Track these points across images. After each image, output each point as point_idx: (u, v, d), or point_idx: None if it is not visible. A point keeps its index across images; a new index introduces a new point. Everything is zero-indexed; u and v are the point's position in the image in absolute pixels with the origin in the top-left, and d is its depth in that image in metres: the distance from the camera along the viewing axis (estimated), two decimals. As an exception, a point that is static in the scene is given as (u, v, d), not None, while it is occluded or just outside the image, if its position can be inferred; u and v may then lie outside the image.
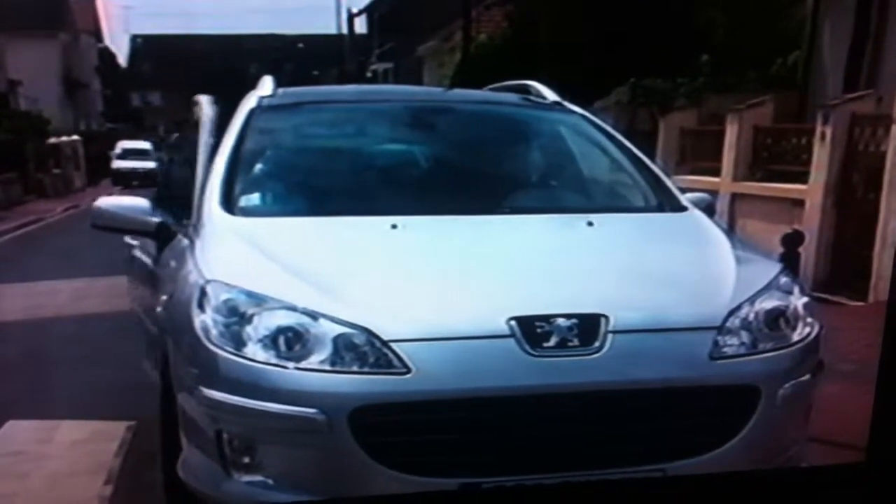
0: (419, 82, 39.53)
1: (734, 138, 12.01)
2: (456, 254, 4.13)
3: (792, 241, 6.54)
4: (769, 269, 4.16)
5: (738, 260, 4.15)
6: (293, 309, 3.59)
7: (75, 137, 39.22)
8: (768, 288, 3.95)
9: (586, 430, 3.52)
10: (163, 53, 72.87)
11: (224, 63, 69.91)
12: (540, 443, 3.48)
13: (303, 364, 3.49)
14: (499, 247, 4.23)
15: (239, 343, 3.56)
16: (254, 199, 4.62)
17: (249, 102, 5.20)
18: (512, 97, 5.76)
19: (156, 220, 4.78)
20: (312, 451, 3.48)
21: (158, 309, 4.48)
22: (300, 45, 72.05)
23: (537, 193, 5.17)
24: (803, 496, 3.41)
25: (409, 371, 3.44)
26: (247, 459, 3.58)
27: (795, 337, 3.85)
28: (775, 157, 11.63)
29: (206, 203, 4.46)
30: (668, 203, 4.81)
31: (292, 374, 3.47)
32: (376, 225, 4.25)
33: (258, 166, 4.89)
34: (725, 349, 3.69)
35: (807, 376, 3.86)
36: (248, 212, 4.45)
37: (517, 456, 3.48)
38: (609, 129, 5.46)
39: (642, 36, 15.38)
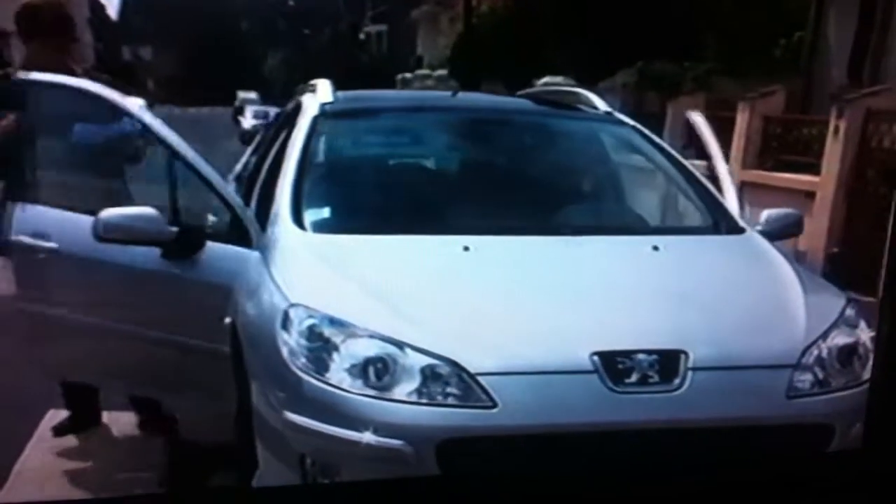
0: (413, 47, 39.38)
1: (744, 127, 12.13)
2: (531, 280, 4.16)
3: (837, 263, 6.53)
4: (836, 301, 4.20)
5: (805, 290, 4.19)
6: (379, 338, 3.65)
7: (68, 92, 38.62)
8: (839, 323, 4.00)
9: (664, 466, 3.60)
10: (153, 7, 71.86)
11: (214, 18, 69.41)
12: (620, 479, 3.55)
13: (390, 395, 3.56)
14: (570, 272, 4.28)
15: (325, 369, 3.63)
16: (324, 213, 4.64)
17: (311, 108, 5.22)
18: (567, 108, 5.80)
19: (172, 229, 4.54)
20: None
21: (227, 320, 4.51)
22: (290, 2, 71.55)
23: (602, 213, 5.22)
24: (799, 487, 3.55)
25: (495, 405, 3.51)
26: None
27: (866, 374, 3.88)
28: (785, 147, 11.75)
29: (277, 216, 4.51)
30: (724, 224, 4.84)
31: (381, 405, 3.54)
32: (448, 245, 4.31)
33: (328, 179, 4.92)
34: (801, 387, 3.77)
35: None
36: (320, 227, 4.47)
37: (598, 491, 3.55)
38: (660, 141, 5.51)
39: (648, 16, 15.38)
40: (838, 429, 3.75)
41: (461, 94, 8.30)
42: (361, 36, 50.10)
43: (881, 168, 9.72)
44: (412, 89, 32.06)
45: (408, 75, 33.34)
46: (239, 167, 6.59)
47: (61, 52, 5.02)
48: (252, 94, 53.66)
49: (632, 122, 5.60)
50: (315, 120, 5.09)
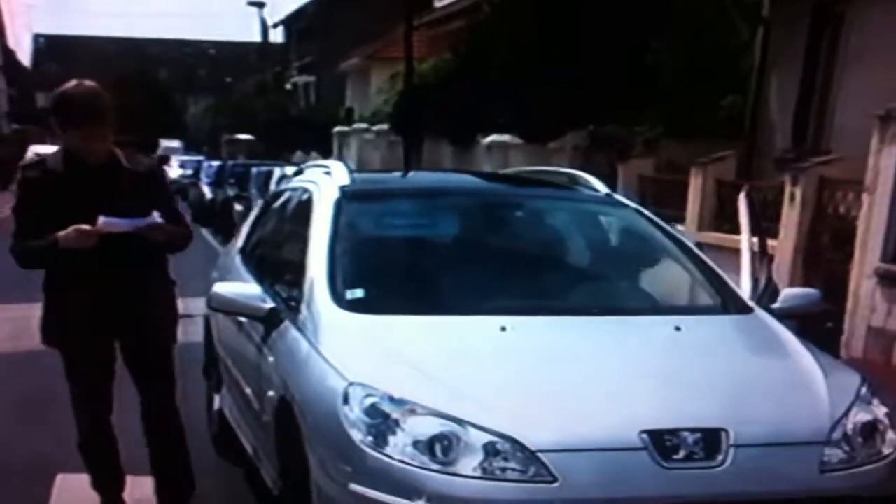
0: (342, 98, 39.74)
1: (699, 190, 12.49)
2: (570, 359, 4.39)
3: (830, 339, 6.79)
4: (853, 379, 4.48)
5: (823, 369, 4.45)
6: (440, 415, 3.84)
7: (-15, 141, 38.27)
8: (858, 400, 4.27)
9: None
10: (68, 53, 71.57)
11: (133, 66, 69.41)
12: None
13: (455, 469, 3.74)
14: (605, 352, 4.52)
15: (389, 444, 3.82)
16: (362, 294, 4.79)
17: (329, 190, 5.41)
18: (571, 190, 6.02)
19: (267, 306, 4.93)
20: None
21: (270, 393, 4.74)
22: (211, 51, 71.69)
23: (621, 294, 5.43)
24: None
25: (555, 480, 3.71)
26: None
27: (886, 450, 4.15)
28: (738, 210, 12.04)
29: (315, 295, 4.70)
30: (733, 304, 5.07)
31: (447, 479, 3.73)
32: (485, 325, 4.52)
33: (361, 260, 5.09)
34: (831, 461, 4.00)
35: None
36: (359, 307, 4.63)
37: None
38: (661, 222, 5.75)
39: (597, 81, 15.66)
40: (865, 500, 4.02)
41: (472, 176, 8.58)
42: (288, 86, 50.37)
43: (835, 234, 10.02)
44: (350, 143, 32.44)
45: (345, 129, 33.59)
46: (241, 243, 6.71)
47: (100, 139, 4.93)
48: (176, 143, 53.62)
49: (633, 204, 5.87)
50: (339, 202, 5.27)
